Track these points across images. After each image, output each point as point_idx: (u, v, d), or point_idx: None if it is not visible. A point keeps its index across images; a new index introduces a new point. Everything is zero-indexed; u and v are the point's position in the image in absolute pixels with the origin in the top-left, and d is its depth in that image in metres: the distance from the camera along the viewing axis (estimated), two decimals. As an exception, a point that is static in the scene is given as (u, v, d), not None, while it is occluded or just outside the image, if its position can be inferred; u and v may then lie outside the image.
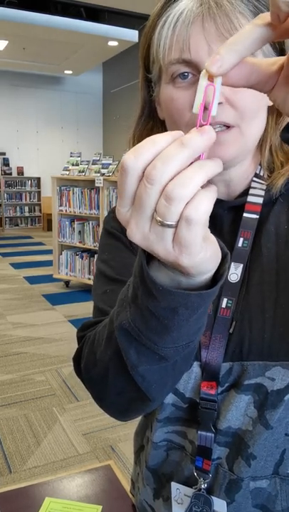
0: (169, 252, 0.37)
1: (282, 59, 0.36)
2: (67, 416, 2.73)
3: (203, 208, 0.35)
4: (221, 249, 0.41)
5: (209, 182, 0.37)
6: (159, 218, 0.36)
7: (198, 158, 0.36)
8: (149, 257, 0.43)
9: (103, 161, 5.07)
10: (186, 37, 0.53)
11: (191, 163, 0.35)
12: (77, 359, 0.63)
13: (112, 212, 0.73)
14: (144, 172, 0.36)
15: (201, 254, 0.37)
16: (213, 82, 0.36)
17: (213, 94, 0.36)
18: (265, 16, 0.33)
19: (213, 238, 0.39)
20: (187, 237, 0.35)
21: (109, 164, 4.96)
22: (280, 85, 0.37)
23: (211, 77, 0.36)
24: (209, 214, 0.36)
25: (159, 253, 0.38)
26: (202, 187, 0.36)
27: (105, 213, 4.77)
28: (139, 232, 0.38)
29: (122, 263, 0.66)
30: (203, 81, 0.36)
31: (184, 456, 0.67)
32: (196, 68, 0.54)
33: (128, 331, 0.47)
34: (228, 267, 0.61)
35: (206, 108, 0.37)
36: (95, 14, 7.44)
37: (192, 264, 0.38)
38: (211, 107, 0.36)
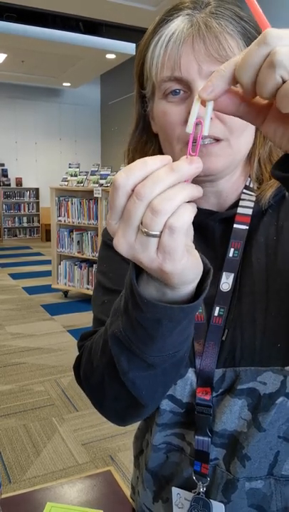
0: (153, 260, 0.41)
1: None
2: (66, 426, 2.74)
3: (185, 217, 0.39)
4: (205, 264, 0.45)
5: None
6: (144, 229, 0.39)
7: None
8: (139, 271, 0.46)
9: (101, 172, 5.11)
10: (177, 56, 0.56)
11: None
12: (76, 368, 0.66)
13: None
14: (133, 189, 0.40)
15: (182, 261, 0.40)
16: (205, 107, 0.40)
17: (201, 128, 0.40)
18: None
19: (195, 252, 0.43)
20: (171, 243, 0.39)
21: (108, 175, 5.01)
22: (270, 119, 0.40)
23: (203, 102, 0.40)
24: (190, 224, 0.40)
25: (143, 261, 0.41)
26: None
27: (104, 223, 4.79)
28: (125, 242, 0.41)
29: (120, 274, 0.68)
30: (196, 106, 0.40)
31: (183, 457, 0.69)
32: (186, 85, 0.57)
33: (120, 339, 0.51)
34: (220, 278, 0.64)
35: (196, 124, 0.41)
36: (93, 28, 7.53)
37: (174, 271, 0.41)
38: (201, 133, 0.40)
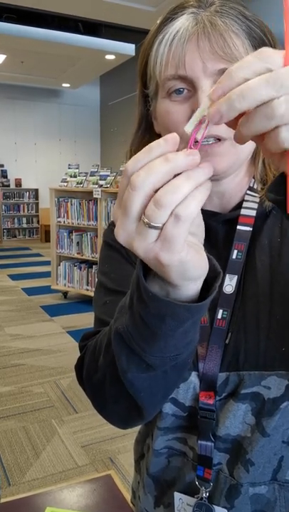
0: (150, 249, 0.40)
1: None
2: (65, 428, 2.73)
3: (193, 207, 0.38)
4: (214, 266, 0.44)
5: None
6: (146, 220, 0.38)
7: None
8: (146, 269, 0.45)
9: (101, 173, 5.11)
10: (181, 54, 0.55)
11: (178, 174, 0.38)
12: (79, 367, 0.65)
13: (112, 224, 0.75)
14: None
15: (182, 253, 0.39)
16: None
17: (205, 129, 0.39)
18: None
19: (202, 252, 0.42)
20: (173, 232, 0.38)
21: (107, 176, 5.00)
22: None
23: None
24: (196, 213, 0.38)
25: (139, 251, 0.40)
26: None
27: (103, 224, 4.79)
28: (124, 232, 0.40)
29: (122, 275, 0.68)
30: (201, 109, 0.39)
31: (185, 462, 0.68)
32: (190, 84, 0.56)
33: (122, 335, 0.49)
34: (223, 280, 0.63)
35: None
36: (93, 28, 7.54)
37: (171, 263, 0.39)
38: (205, 130, 0.39)
